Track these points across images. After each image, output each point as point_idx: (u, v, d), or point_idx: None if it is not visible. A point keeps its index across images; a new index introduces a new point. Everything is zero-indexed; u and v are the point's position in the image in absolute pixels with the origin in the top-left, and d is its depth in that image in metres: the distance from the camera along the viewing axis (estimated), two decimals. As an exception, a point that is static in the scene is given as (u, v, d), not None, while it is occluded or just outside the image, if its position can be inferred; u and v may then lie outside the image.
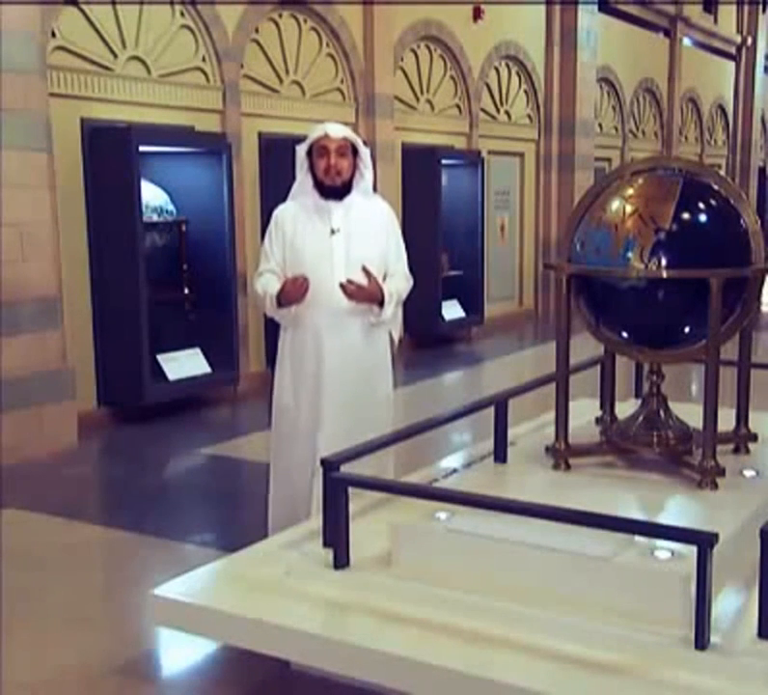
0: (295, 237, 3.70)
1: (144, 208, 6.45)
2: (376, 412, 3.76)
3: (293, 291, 3.59)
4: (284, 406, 3.78)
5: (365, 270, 3.62)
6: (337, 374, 3.68)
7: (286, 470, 3.77)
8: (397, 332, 3.98)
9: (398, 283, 3.77)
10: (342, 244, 3.65)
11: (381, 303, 3.67)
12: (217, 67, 7.27)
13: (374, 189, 3.86)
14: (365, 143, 3.79)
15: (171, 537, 4.30)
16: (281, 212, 3.77)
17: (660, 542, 2.36)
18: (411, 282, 3.85)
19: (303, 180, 3.71)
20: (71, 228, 6.29)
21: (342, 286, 3.57)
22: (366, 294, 3.62)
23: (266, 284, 3.71)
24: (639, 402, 3.63)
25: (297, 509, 3.69)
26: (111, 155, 6.27)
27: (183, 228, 6.95)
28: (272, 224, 3.78)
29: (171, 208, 6.92)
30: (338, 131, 3.63)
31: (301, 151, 3.68)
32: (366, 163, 3.71)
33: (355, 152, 3.67)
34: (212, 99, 7.28)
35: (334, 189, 3.65)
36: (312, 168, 3.66)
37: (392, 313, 3.72)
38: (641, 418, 3.34)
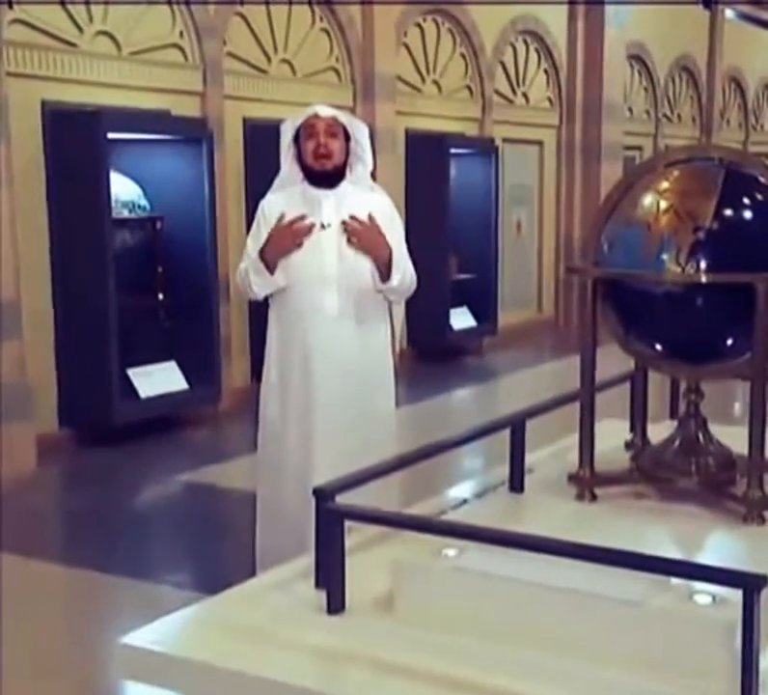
0: None
1: (113, 204, 6.47)
2: (376, 433, 3.76)
3: (284, 235, 3.57)
4: (270, 424, 3.78)
5: (355, 220, 3.58)
6: (329, 389, 3.68)
7: (274, 497, 3.78)
8: (398, 330, 3.97)
9: (405, 267, 3.76)
10: (333, 241, 3.66)
11: (387, 271, 3.64)
12: (197, 43, 7.30)
13: (374, 180, 3.87)
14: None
15: (142, 577, 4.30)
16: (268, 204, 3.78)
17: (700, 585, 2.34)
18: (415, 282, 3.86)
19: (290, 168, 3.73)
20: (31, 225, 6.30)
21: (344, 223, 3.55)
22: (372, 238, 3.58)
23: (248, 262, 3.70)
24: (674, 423, 3.61)
25: (289, 542, 3.68)
26: (76, 143, 6.29)
27: (158, 225, 6.97)
28: (259, 216, 3.78)
29: (144, 203, 6.94)
30: (327, 111, 3.66)
31: (287, 134, 3.68)
32: (363, 146, 3.71)
33: (348, 137, 3.68)
34: (191, 80, 7.30)
35: (324, 175, 3.66)
36: (299, 156, 3.68)
37: (399, 282, 3.69)
38: (677, 442, 3.32)
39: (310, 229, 3.58)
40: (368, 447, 3.66)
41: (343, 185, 3.70)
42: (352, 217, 3.58)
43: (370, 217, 3.61)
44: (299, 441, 3.71)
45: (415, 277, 3.85)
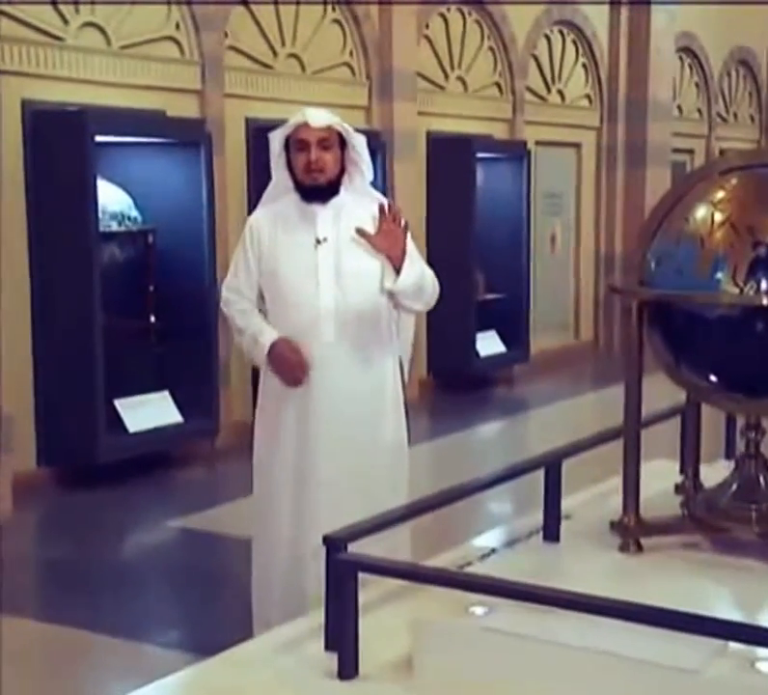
0: (273, 250, 3.73)
1: (100, 215, 6.49)
2: (383, 472, 3.77)
3: (291, 366, 3.66)
4: (263, 463, 3.80)
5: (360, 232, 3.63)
6: (327, 422, 3.69)
7: (267, 545, 3.79)
8: (408, 355, 3.97)
9: (422, 268, 3.78)
10: (329, 257, 3.67)
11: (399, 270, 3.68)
12: (195, 36, 7.35)
13: (390, 190, 3.89)
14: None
15: (129, 636, 4.28)
16: (256, 221, 3.82)
17: (763, 651, 2.32)
18: (438, 289, 3.86)
19: (279, 180, 3.77)
20: (8, 238, 6.32)
21: (358, 231, 3.59)
22: (395, 235, 3.61)
23: (248, 319, 3.78)
24: (731, 465, 3.60)
25: (289, 596, 3.68)
26: (59, 147, 6.32)
27: (150, 239, 6.99)
28: (246, 232, 3.82)
29: (135, 214, 6.96)
30: (319, 119, 3.67)
31: (275, 143, 3.72)
32: (361, 156, 3.75)
33: (344, 143, 3.71)
34: (188, 77, 7.35)
35: (317, 190, 3.69)
36: (290, 165, 3.71)
37: (412, 284, 3.69)
38: (734, 486, 3.30)
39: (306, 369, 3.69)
40: (374, 488, 3.68)
41: (339, 198, 3.72)
42: (358, 231, 3.60)
43: (381, 209, 3.63)
44: (294, 481, 3.72)
45: (437, 284, 3.85)
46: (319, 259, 3.67)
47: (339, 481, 3.68)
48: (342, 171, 3.72)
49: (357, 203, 3.75)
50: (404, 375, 3.97)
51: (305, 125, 3.64)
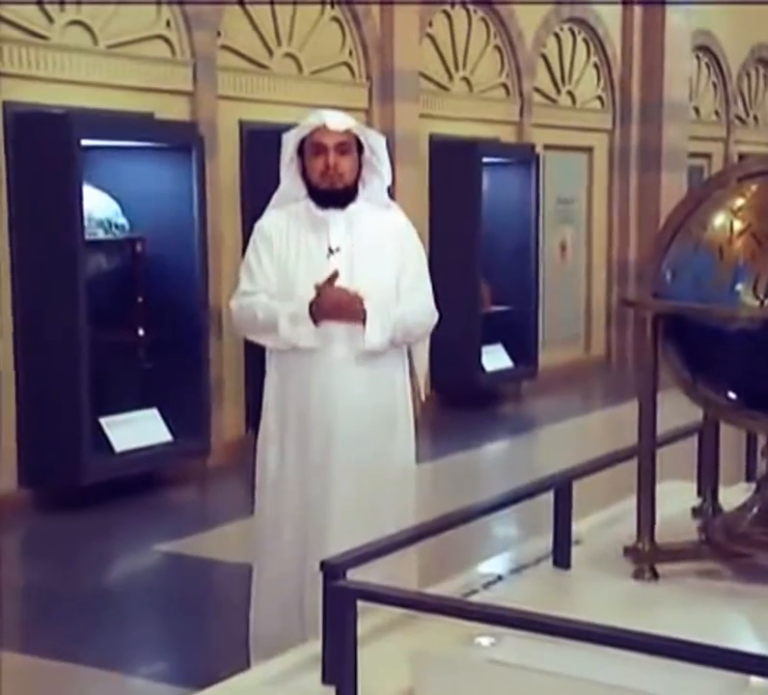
0: (284, 257, 3.75)
1: (86, 222, 6.50)
2: (390, 494, 3.79)
3: (345, 300, 3.60)
4: (267, 483, 3.81)
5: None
6: (332, 441, 3.71)
7: (271, 571, 3.79)
8: (422, 372, 3.99)
9: (408, 307, 3.77)
10: (342, 267, 3.69)
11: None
12: (186, 35, 7.37)
13: (391, 196, 3.91)
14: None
15: (116, 667, 4.28)
16: (267, 224, 3.83)
17: (784, 684, 2.32)
18: (435, 316, 3.88)
19: (291, 184, 3.78)
20: (-11, 247, 6.34)
21: (317, 288, 3.58)
22: (338, 302, 3.61)
23: (267, 305, 3.71)
24: (752, 487, 3.59)
25: (287, 624, 3.68)
26: (43, 151, 6.34)
27: (138, 248, 6.99)
28: (256, 236, 3.83)
29: (122, 221, 6.97)
30: (338, 123, 3.69)
31: (289, 146, 3.73)
32: (380, 158, 3.77)
33: (360, 147, 3.73)
34: (179, 78, 7.36)
35: (333, 195, 3.70)
36: (304, 169, 3.73)
37: (382, 339, 3.70)
38: (755, 510, 3.30)
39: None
40: (380, 510, 3.70)
41: (356, 204, 3.74)
42: (320, 287, 3.61)
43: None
44: (299, 502, 3.73)
45: (434, 311, 3.89)
46: (332, 269, 3.69)
47: (345, 507, 3.70)
48: (358, 176, 3.74)
49: (371, 210, 3.78)
50: (422, 394, 4.01)
51: (323, 128, 3.66)
